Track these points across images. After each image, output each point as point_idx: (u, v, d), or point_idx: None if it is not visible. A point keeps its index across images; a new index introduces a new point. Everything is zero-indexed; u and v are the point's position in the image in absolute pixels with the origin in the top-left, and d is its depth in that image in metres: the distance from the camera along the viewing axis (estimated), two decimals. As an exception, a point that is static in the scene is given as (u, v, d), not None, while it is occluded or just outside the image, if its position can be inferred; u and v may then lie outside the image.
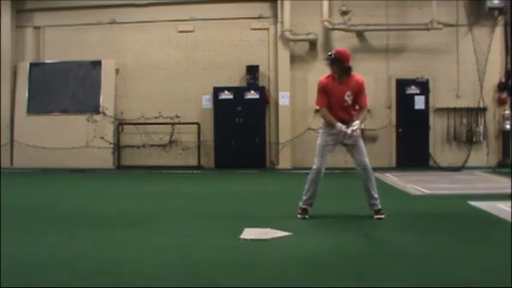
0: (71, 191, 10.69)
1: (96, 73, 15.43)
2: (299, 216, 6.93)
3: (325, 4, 14.63)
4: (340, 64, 6.74)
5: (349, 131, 6.70)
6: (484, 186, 10.80)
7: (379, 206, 6.90)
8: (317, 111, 14.72)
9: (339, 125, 6.76)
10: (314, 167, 6.93)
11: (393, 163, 14.57)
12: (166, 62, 15.41)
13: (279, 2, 14.87)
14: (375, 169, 13.24)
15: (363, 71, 14.43)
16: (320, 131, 7.10)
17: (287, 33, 14.71)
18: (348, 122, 6.83)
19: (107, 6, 15.52)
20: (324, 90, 6.86)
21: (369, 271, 4.62)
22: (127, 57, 15.44)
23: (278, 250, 5.39)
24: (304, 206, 6.95)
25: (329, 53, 6.93)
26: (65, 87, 15.47)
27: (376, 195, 6.90)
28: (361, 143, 6.95)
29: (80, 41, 15.53)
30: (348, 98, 6.80)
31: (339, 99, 6.80)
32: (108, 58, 15.41)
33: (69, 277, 4.51)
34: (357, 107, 6.92)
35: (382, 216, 6.85)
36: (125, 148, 15.38)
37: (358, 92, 6.83)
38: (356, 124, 6.73)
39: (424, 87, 14.56)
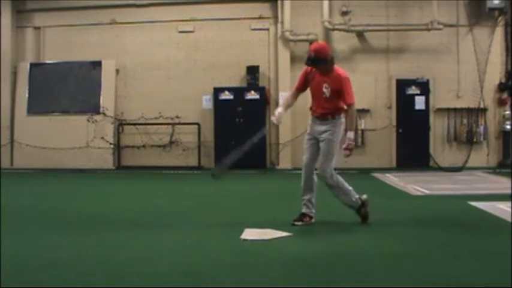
0: (71, 192, 10.69)
1: (96, 73, 15.43)
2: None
3: (326, 4, 14.63)
4: (324, 61, 6.41)
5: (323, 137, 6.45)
6: (484, 186, 10.80)
7: (358, 203, 6.64)
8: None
9: (277, 112, 6.54)
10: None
11: (393, 163, 14.57)
12: (166, 63, 15.41)
13: (279, 2, 14.87)
14: (376, 169, 13.38)
15: (363, 71, 14.68)
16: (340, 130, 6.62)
17: (287, 34, 14.72)
18: (327, 118, 6.52)
19: (107, 7, 15.52)
20: (303, 75, 6.61)
21: (369, 271, 4.62)
22: (127, 57, 15.44)
23: (278, 250, 5.39)
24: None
25: (309, 54, 6.44)
26: (65, 88, 15.47)
27: (347, 195, 6.61)
28: (329, 147, 6.49)
29: (80, 41, 15.52)
30: (326, 90, 6.46)
31: (317, 90, 6.52)
32: (108, 58, 15.41)
33: (69, 277, 4.50)
34: (342, 105, 6.55)
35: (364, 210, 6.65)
36: (125, 148, 15.37)
37: (340, 88, 6.43)
38: (349, 139, 6.44)
39: (424, 87, 14.56)
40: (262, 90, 14.69)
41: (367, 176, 12.42)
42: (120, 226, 6.75)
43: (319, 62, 6.43)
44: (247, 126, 14.53)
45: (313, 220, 6.64)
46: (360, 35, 14.84)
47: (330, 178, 6.51)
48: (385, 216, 6.93)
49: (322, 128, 6.54)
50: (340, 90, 6.46)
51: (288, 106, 6.80)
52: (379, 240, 5.91)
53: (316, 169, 6.64)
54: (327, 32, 14.86)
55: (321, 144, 6.53)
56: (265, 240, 5.83)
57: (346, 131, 6.55)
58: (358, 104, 14.25)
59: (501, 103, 14.67)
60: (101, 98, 15.32)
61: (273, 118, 6.63)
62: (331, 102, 6.51)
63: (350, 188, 6.64)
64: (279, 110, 6.62)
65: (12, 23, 15.60)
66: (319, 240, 5.87)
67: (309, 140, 6.67)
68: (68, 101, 15.41)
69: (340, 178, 6.60)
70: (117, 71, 15.46)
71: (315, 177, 6.63)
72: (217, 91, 14.77)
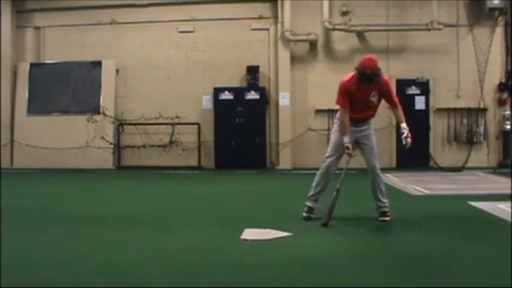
0: (71, 192, 10.69)
1: (96, 73, 15.42)
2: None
3: (326, 4, 14.62)
4: (378, 75, 6.52)
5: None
6: (484, 186, 10.80)
7: (385, 209, 6.84)
8: (317, 111, 14.86)
9: (346, 139, 6.62)
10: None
11: (393, 163, 14.55)
12: (166, 62, 15.41)
13: (279, 2, 14.86)
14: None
15: (363, 71, 14.64)
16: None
17: (287, 34, 14.71)
18: (366, 120, 6.79)
19: (107, 7, 15.52)
20: (345, 92, 6.65)
21: (369, 271, 4.62)
22: (127, 57, 15.43)
23: (278, 250, 5.39)
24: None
25: (364, 72, 6.45)
26: (65, 88, 15.46)
27: (382, 199, 6.84)
28: (373, 141, 6.85)
29: (80, 41, 15.52)
30: (373, 98, 6.68)
31: (364, 100, 6.65)
32: (108, 58, 15.40)
33: (69, 277, 4.50)
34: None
35: (386, 218, 6.80)
36: (125, 148, 15.37)
37: (386, 91, 6.70)
38: (405, 128, 6.58)
39: (424, 87, 14.55)
40: (262, 90, 14.68)
41: (367, 176, 12.40)
42: (120, 226, 6.75)
43: (376, 77, 6.55)
44: (247, 126, 14.55)
45: (312, 215, 6.93)
46: (360, 35, 14.83)
47: (380, 172, 6.89)
48: (385, 216, 6.92)
49: (363, 127, 6.82)
50: (385, 93, 6.72)
51: (348, 129, 6.71)
52: (378, 240, 5.91)
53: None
54: (327, 32, 14.86)
55: (365, 142, 6.82)
56: (265, 240, 5.83)
57: (400, 123, 6.73)
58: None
59: (501, 103, 14.66)
60: (101, 98, 15.31)
61: (348, 151, 6.67)
62: (374, 108, 6.83)
63: None
64: (346, 140, 6.64)
65: (12, 23, 15.59)
66: (319, 240, 5.87)
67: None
68: (68, 101, 15.41)
69: None
70: (117, 71, 15.45)
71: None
72: (217, 91, 14.76)
